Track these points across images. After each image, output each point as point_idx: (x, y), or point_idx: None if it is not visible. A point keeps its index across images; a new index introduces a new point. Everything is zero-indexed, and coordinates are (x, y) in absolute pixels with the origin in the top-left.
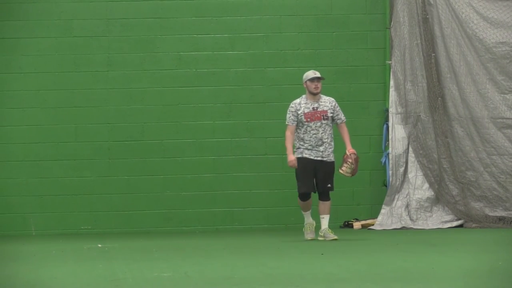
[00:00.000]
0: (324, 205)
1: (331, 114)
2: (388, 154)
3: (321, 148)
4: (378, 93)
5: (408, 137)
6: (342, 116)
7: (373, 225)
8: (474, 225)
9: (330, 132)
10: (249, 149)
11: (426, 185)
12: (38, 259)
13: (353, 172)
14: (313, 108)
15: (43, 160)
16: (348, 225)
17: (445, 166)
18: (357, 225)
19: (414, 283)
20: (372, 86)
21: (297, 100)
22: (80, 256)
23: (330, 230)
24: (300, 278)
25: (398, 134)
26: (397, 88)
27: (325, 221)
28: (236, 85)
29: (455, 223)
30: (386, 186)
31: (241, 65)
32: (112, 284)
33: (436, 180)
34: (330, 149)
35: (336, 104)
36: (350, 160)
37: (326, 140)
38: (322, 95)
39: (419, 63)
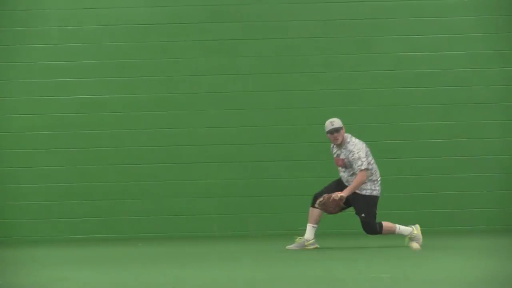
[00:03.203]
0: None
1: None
2: None
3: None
4: None
5: None
6: (356, 166)
7: None
8: None
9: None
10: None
11: None
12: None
13: (325, 208)
14: (337, 154)
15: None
16: None
17: None
18: None
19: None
20: None
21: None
22: None
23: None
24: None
25: None
26: None
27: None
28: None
29: None
30: None
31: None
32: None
33: None
34: None
35: (352, 155)
36: (329, 198)
37: (352, 182)
38: (351, 140)
39: None
